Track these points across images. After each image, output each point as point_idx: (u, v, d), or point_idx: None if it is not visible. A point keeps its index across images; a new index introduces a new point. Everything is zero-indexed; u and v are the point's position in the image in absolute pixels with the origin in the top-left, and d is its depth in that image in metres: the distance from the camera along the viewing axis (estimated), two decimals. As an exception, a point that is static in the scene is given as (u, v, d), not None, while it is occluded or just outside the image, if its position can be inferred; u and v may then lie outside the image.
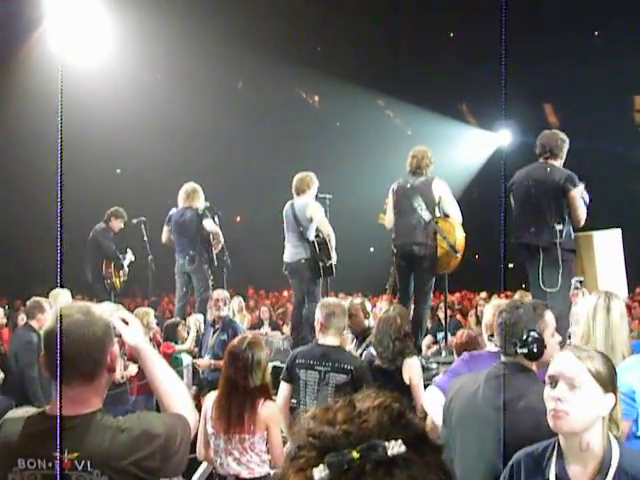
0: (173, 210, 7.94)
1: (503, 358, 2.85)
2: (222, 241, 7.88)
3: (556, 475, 2.14)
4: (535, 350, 2.72)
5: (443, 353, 6.79)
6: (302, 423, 0.94)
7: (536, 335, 2.73)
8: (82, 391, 2.01)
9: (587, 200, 5.36)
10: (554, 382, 2.16)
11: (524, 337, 2.72)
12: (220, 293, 6.67)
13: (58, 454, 1.93)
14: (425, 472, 0.88)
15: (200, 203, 7.82)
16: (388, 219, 6.37)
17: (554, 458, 2.17)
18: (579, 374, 2.12)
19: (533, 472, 2.20)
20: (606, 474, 2.06)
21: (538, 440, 2.45)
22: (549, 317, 2.86)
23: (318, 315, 4.34)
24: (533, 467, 2.21)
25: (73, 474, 1.93)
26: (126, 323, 2.16)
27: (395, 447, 0.87)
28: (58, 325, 1.98)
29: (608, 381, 2.14)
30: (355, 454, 0.86)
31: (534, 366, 2.81)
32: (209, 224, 7.73)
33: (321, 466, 0.87)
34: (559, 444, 2.18)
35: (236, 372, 3.67)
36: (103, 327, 2.06)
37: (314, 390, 4.18)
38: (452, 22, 18.33)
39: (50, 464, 1.94)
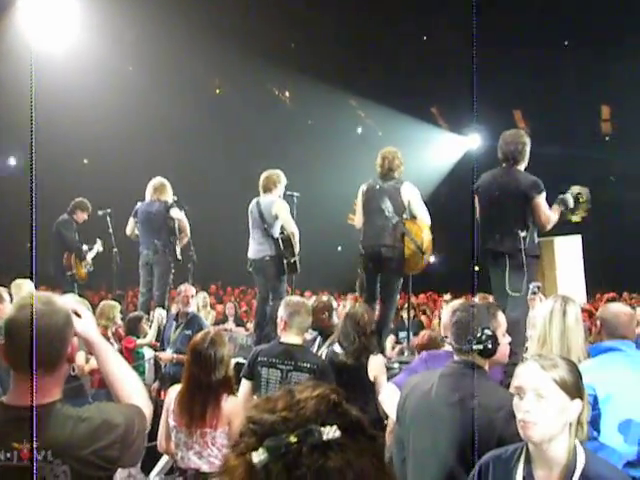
0: (139, 204, 7.92)
1: (456, 357, 2.91)
2: (189, 233, 7.86)
3: (523, 478, 2.19)
4: (490, 347, 2.80)
5: (406, 353, 6.84)
6: (245, 412, 0.98)
7: (490, 332, 2.82)
8: (42, 381, 2.00)
9: (571, 205, 5.40)
10: (522, 393, 2.20)
11: (478, 334, 2.79)
12: (187, 288, 6.65)
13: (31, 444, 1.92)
14: (359, 457, 0.93)
15: (168, 196, 7.83)
16: (357, 219, 6.41)
17: (521, 462, 2.22)
18: (544, 384, 2.17)
19: (501, 475, 2.25)
20: (570, 479, 2.11)
21: (490, 437, 2.51)
22: (501, 317, 2.95)
23: (282, 313, 4.34)
24: (501, 470, 2.26)
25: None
26: (78, 315, 2.16)
27: (330, 432, 0.92)
28: (24, 314, 1.97)
29: (574, 388, 2.19)
30: (292, 438, 0.91)
31: (487, 365, 2.88)
32: (176, 213, 7.72)
33: (260, 450, 0.91)
34: (527, 448, 2.22)
35: (199, 369, 3.66)
36: (64, 317, 2.07)
37: (276, 388, 4.17)
38: (425, 26, 18.45)
39: (9, 455, 1.93)
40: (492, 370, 2.99)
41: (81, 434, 1.98)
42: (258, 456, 0.91)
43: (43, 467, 1.93)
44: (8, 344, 2.02)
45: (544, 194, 5.24)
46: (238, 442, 0.96)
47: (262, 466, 0.90)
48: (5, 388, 5.91)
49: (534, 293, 4.52)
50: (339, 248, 19.15)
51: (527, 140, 5.40)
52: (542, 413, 2.14)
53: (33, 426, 1.91)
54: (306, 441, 0.91)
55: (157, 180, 7.93)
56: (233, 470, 0.93)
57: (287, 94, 21.15)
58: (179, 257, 7.83)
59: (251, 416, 0.97)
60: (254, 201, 6.79)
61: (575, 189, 5.47)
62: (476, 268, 5.58)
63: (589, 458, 2.16)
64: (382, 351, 5.81)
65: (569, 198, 5.40)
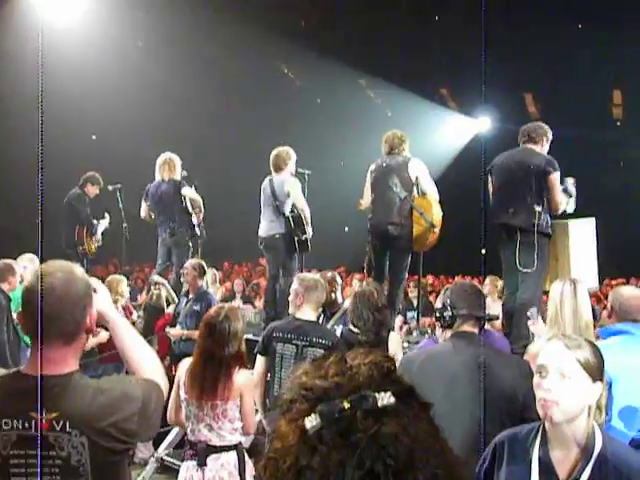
0: (149, 185, 7.79)
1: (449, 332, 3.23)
2: (202, 209, 7.77)
3: (539, 459, 2.17)
4: (446, 318, 3.21)
5: (414, 333, 6.86)
6: (294, 379, 0.97)
7: (442, 306, 3.26)
8: (61, 351, 1.96)
9: (574, 194, 5.42)
10: (544, 371, 2.17)
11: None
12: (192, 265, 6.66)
13: (40, 414, 1.89)
14: (414, 423, 0.91)
15: (177, 174, 7.70)
16: (365, 200, 6.38)
17: (537, 442, 2.20)
18: (569, 364, 2.15)
19: (516, 454, 2.24)
20: (588, 461, 2.10)
21: (512, 393, 2.79)
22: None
23: (297, 289, 4.37)
24: (516, 449, 2.25)
25: (51, 434, 1.89)
26: (94, 290, 2.10)
27: (385, 398, 0.91)
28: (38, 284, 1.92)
29: (596, 370, 2.17)
30: (346, 404, 0.90)
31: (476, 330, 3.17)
32: (188, 191, 7.62)
33: (313, 415, 0.90)
34: (544, 428, 2.21)
35: (213, 343, 3.68)
36: (85, 287, 2.02)
37: (290, 363, 4.21)
38: (437, 5, 18.26)
39: (27, 424, 1.89)
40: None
41: (100, 405, 1.93)
42: (311, 422, 0.90)
43: (61, 437, 1.89)
44: (28, 313, 1.96)
45: (559, 173, 5.26)
46: (290, 408, 0.94)
47: (315, 432, 0.89)
48: (15, 361, 5.95)
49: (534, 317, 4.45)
50: (346, 228, 19.13)
51: (548, 132, 5.45)
52: (564, 393, 2.12)
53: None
54: (360, 407, 0.89)
55: (164, 157, 7.74)
56: (285, 436, 0.92)
57: (296, 72, 21.01)
58: (198, 233, 7.77)
59: (303, 382, 0.95)
60: (267, 179, 6.77)
61: (570, 180, 5.50)
62: (482, 251, 5.57)
63: (607, 441, 2.15)
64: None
65: (572, 188, 5.44)
